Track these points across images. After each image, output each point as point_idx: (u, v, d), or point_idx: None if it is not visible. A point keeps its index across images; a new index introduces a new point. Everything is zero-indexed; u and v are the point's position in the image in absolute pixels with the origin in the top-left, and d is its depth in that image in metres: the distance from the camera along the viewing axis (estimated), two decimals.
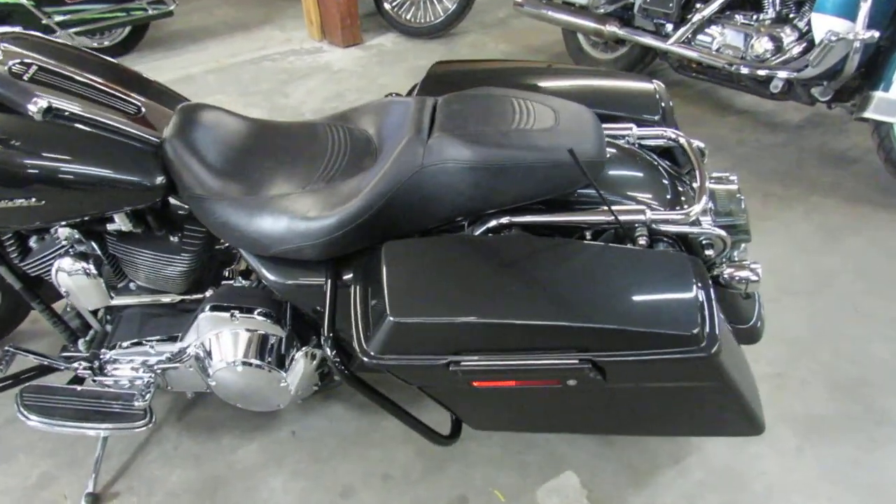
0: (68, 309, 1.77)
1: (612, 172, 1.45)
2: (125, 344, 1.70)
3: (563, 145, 1.32)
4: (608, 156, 1.43)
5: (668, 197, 1.45)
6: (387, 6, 4.48)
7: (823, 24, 2.53)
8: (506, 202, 1.37)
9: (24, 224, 1.43)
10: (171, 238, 1.58)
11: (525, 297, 1.22)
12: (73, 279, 1.55)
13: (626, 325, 1.19)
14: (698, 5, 3.09)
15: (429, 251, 1.31)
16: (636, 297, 1.22)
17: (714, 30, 3.04)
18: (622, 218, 1.36)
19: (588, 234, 1.42)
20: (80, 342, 1.77)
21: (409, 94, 1.79)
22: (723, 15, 3.04)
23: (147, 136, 1.43)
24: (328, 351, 1.34)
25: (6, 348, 1.74)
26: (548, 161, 1.31)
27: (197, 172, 1.43)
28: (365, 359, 1.25)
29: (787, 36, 2.80)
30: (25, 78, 1.38)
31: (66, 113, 1.32)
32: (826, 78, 2.67)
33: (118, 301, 1.68)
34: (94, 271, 1.56)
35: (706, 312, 1.21)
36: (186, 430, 1.91)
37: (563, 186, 1.36)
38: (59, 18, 3.96)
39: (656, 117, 1.61)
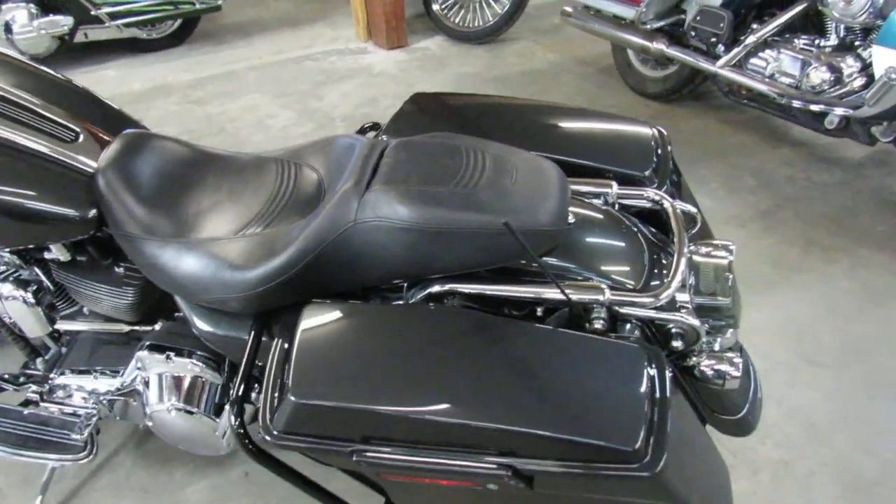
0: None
1: (578, 240, 1.27)
2: (74, 370, 1.65)
3: (514, 209, 1.16)
4: (572, 220, 1.26)
5: (644, 272, 1.26)
6: (436, 8, 4.35)
7: (885, 60, 2.24)
8: (444, 268, 1.22)
9: None
10: (116, 269, 1.51)
11: (444, 387, 1.07)
12: (11, 305, 1.50)
13: (554, 432, 1.02)
14: (754, 26, 2.83)
15: (352, 319, 1.18)
16: (572, 398, 1.05)
17: (769, 54, 2.77)
18: (576, 297, 1.18)
19: (539, 311, 1.25)
20: (39, 361, 1.73)
21: (383, 126, 1.65)
22: (781, 38, 2.77)
23: (79, 166, 1.35)
24: (232, 418, 1.23)
25: None
26: (492, 227, 1.15)
27: (128, 207, 1.33)
28: (267, 437, 1.13)
29: (849, 66, 2.51)
30: None
31: None
32: (887, 118, 2.38)
33: (63, 326, 1.62)
34: (31, 300, 1.50)
35: (655, 422, 1.04)
36: (142, 459, 1.85)
37: (510, 256, 1.19)
38: (107, 10, 4.00)
39: (645, 173, 1.42)
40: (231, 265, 1.26)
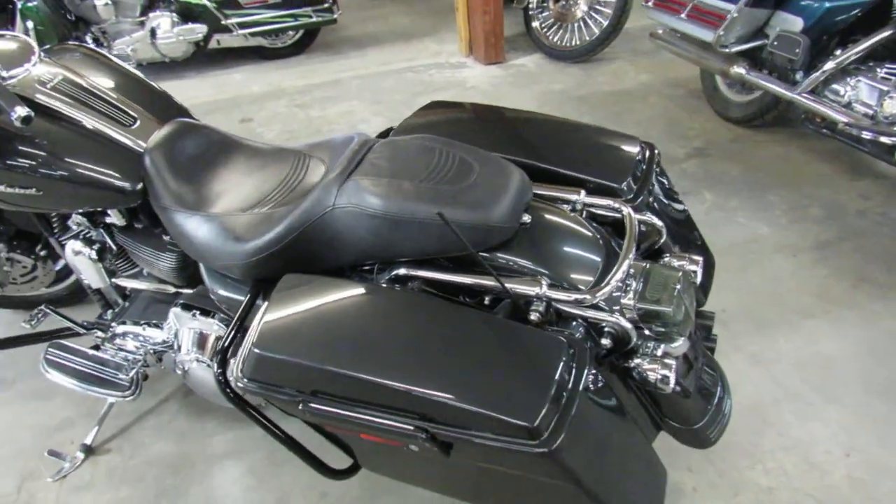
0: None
1: (537, 239, 1.38)
2: (129, 321, 1.94)
3: (468, 205, 1.29)
4: (527, 219, 1.37)
5: (596, 276, 1.35)
6: (535, 26, 4.48)
7: None
8: (405, 254, 1.38)
9: (33, 208, 1.69)
10: (162, 237, 1.77)
11: (380, 354, 1.22)
12: (76, 259, 1.80)
13: (463, 402, 1.14)
14: (837, 52, 2.74)
15: (320, 290, 1.35)
16: (486, 375, 1.16)
17: (847, 81, 2.68)
18: (516, 290, 1.29)
19: (487, 300, 1.37)
20: (109, 312, 2.04)
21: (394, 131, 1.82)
22: (863, 66, 2.67)
23: (131, 146, 1.62)
24: (215, 366, 1.44)
25: (42, 307, 2.05)
26: (444, 220, 1.29)
27: (165, 183, 1.59)
28: (238, 383, 1.32)
29: None
30: (49, 87, 1.63)
31: (52, 120, 1.55)
32: None
33: (122, 283, 1.92)
34: (94, 256, 1.80)
35: (561, 406, 1.13)
36: (185, 408, 2.12)
37: (461, 247, 1.32)
38: (235, 20, 4.47)
39: (621, 185, 1.49)
40: (236, 237, 1.48)
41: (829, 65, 2.69)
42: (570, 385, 1.15)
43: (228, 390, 1.44)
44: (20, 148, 1.58)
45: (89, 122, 1.61)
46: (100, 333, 2.00)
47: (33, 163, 1.58)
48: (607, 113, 3.71)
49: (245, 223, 1.50)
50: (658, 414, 1.51)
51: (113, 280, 1.92)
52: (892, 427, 1.86)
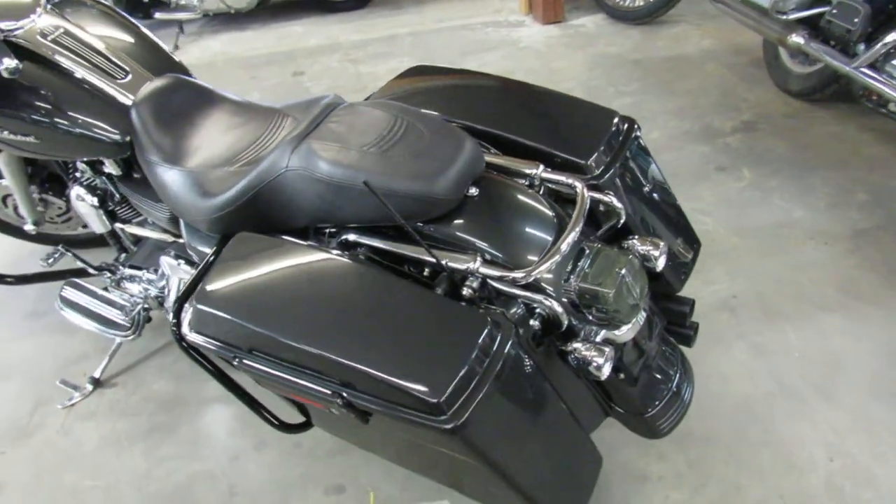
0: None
1: (481, 213, 1.35)
2: (134, 266, 2.04)
3: (410, 175, 1.28)
4: (474, 192, 1.34)
5: (542, 254, 1.31)
6: None
7: None
8: (351, 220, 1.38)
9: (37, 155, 1.79)
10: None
11: (309, 318, 1.24)
12: (78, 205, 1.91)
13: (375, 371, 1.15)
14: None
15: (266, 251, 1.37)
16: (405, 347, 1.17)
17: None
18: (451, 264, 1.28)
19: (427, 272, 1.36)
20: (123, 257, 2.16)
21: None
22: None
23: (120, 99, 1.69)
24: (170, 315, 1.50)
25: (59, 247, 2.19)
26: (384, 188, 1.28)
27: (150, 136, 1.64)
28: (186, 334, 1.38)
29: None
30: (49, 39, 1.70)
31: (49, 71, 1.63)
32: None
33: (126, 228, 2.01)
34: (94, 203, 1.90)
35: (473, 383, 1.12)
36: None
37: (401, 216, 1.31)
38: None
39: (587, 161, 1.43)
40: (204, 192, 1.52)
41: (892, 37, 2.46)
42: (485, 364, 1.13)
43: (180, 340, 1.50)
44: (18, 97, 1.67)
45: (82, 74, 1.67)
46: (109, 275, 2.12)
47: (29, 111, 1.67)
48: (658, 80, 3.55)
49: (213, 179, 1.54)
50: (605, 400, 1.47)
51: (117, 226, 2.02)
52: (888, 435, 1.74)
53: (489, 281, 1.28)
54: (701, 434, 1.80)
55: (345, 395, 1.20)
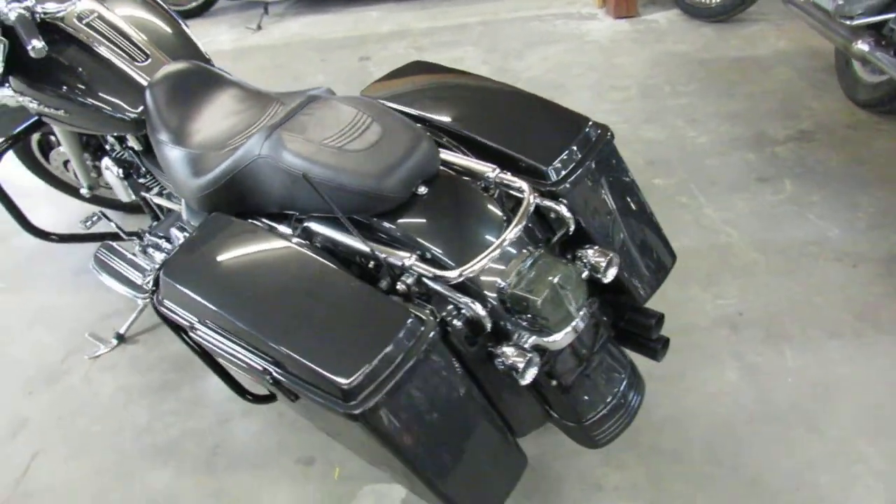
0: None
1: (427, 212, 1.39)
2: (155, 234, 2.21)
3: (360, 172, 1.34)
4: (423, 192, 1.38)
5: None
6: None
7: None
8: (309, 210, 1.45)
9: (67, 126, 1.97)
10: None
11: (252, 300, 1.32)
12: (107, 174, 2.08)
13: (297, 352, 1.22)
14: None
15: (230, 233, 1.47)
16: (328, 333, 1.23)
17: None
18: (388, 259, 1.33)
19: (372, 265, 1.41)
20: (152, 225, 2.34)
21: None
22: None
23: (138, 80, 1.83)
24: (150, 283, 1.62)
25: (97, 212, 2.39)
26: (333, 182, 1.35)
27: (160, 116, 1.78)
28: (153, 298, 1.50)
29: None
30: (84, 23, 1.87)
31: (80, 51, 1.79)
32: None
33: (152, 200, 2.17)
34: (120, 174, 2.07)
35: (384, 374, 1.17)
36: None
37: (348, 209, 1.38)
38: None
39: (547, 168, 1.43)
40: (194, 172, 1.64)
41: None
42: (402, 356, 1.18)
43: (156, 307, 1.63)
44: (51, 73, 1.85)
45: (107, 55, 1.83)
46: (138, 242, 2.30)
47: (59, 87, 1.84)
48: (721, 81, 3.41)
49: (203, 160, 1.65)
50: (545, 405, 1.48)
51: (142, 195, 2.19)
52: (865, 474, 1.65)
53: (424, 279, 1.32)
54: (669, 449, 1.77)
55: (273, 373, 1.28)
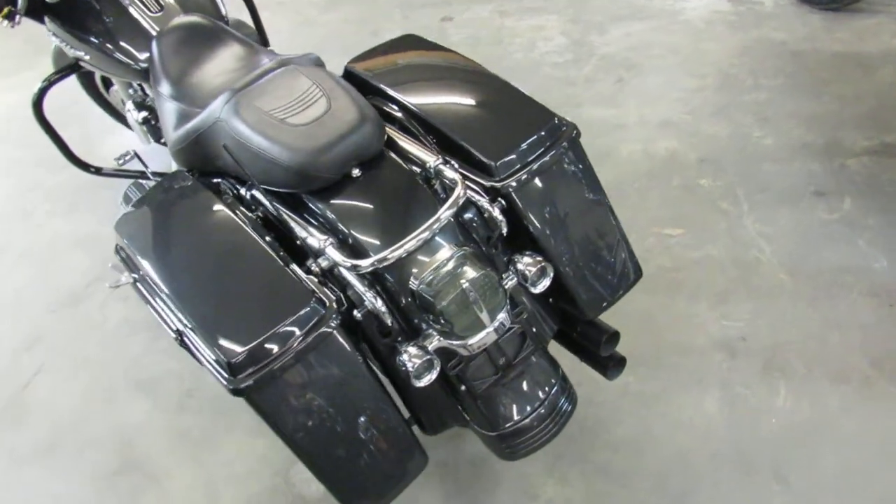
0: None
1: (358, 195, 1.36)
2: None
3: (293, 145, 1.33)
4: (357, 174, 1.35)
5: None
6: None
7: None
8: (255, 177, 1.45)
9: (91, 69, 2.07)
10: None
11: (176, 261, 1.35)
12: (128, 117, 2.18)
13: (195, 319, 1.24)
14: None
15: (181, 193, 1.50)
16: (231, 305, 1.25)
17: None
18: (307, 239, 1.32)
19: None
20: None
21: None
22: None
23: (147, 29, 1.88)
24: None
25: (131, 150, 2.50)
26: (266, 154, 1.34)
27: (164, 68, 1.83)
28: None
29: None
30: None
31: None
32: None
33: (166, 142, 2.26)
34: (138, 118, 2.15)
35: (273, 354, 1.17)
36: None
37: (279, 183, 1.37)
38: None
39: (495, 163, 1.36)
40: (175, 126, 1.68)
41: None
42: (294, 338, 1.18)
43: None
44: (75, 16, 1.94)
45: (123, 1, 1.89)
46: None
47: (80, 30, 1.93)
48: (811, 78, 3.09)
49: (184, 116, 1.68)
50: (461, 409, 1.43)
51: (162, 141, 2.27)
52: None
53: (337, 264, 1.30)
54: (618, 471, 1.68)
55: (182, 336, 1.31)
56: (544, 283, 1.34)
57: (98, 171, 2.58)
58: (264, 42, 2.57)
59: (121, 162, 2.49)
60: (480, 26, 3.96)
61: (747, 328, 1.98)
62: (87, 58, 2.00)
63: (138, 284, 1.46)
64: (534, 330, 1.42)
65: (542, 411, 1.39)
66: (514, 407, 1.39)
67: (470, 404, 1.39)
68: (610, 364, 1.53)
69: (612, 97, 3.13)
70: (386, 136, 1.44)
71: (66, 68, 2.30)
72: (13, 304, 2.42)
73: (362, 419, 1.29)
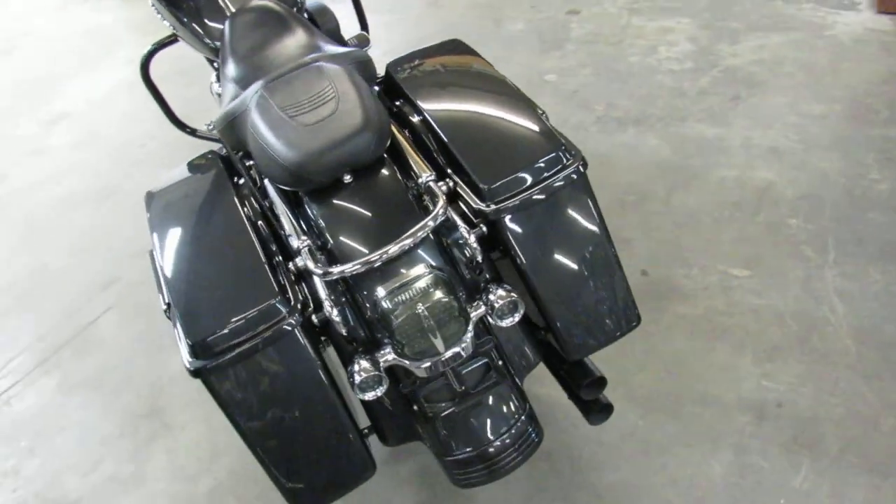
0: None
1: (348, 200, 1.37)
2: None
3: (292, 142, 1.36)
4: (348, 180, 1.37)
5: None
6: None
7: None
8: (262, 170, 1.50)
9: (183, 43, 2.21)
10: None
11: (179, 239, 1.44)
12: (210, 89, 2.31)
13: (173, 296, 1.33)
14: None
15: (203, 174, 1.59)
16: (209, 290, 1.32)
17: None
18: (290, 237, 1.36)
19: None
20: None
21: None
22: None
23: (224, 8, 1.97)
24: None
25: None
26: (267, 151, 1.39)
27: (230, 47, 1.92)
28: None
29: None
30: None
31: None
32: None
33: None
34: (218, 91, 2.28)
35: (231, 341, 1.22)
36: None
37: (277, 179, 1.41)
38: None
39: (488, 187, 1.31)
40: (224, 104, 1.76)
41: None
42: (253, 330, 1.23)
43: None
44: None
45: None
46: None
47: (172, 4, 2.06)
48: (862, 106, 2.72)
49: (231, 98, 1.77)
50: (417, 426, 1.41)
51: None
52: None
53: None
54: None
55: (169, 306, 1.40)
56: (512, 319, 1.29)
57: (193, 133, 2.77)
58: (363, 25, 2.62)
59: (210, 127, 2.66)
60: (606, 23, 3.80)
61: (788, 393, 1.80)
62: (178, 31, 2.14)
63: (153, 253, 1.56)
64: (499, 363, 1.38)
65: (498, 445, 1.35)
66: (463, 437, 1.35)
67: (424, 424, 1.38)
68: (594, 409, 1.46)
69: (722, 114, 2.90)
70: (389, 143, 1.43)
71: (170, 37, 2.47)
72: (104, 243, 2.67)
73: (311, 419, 1.33)
